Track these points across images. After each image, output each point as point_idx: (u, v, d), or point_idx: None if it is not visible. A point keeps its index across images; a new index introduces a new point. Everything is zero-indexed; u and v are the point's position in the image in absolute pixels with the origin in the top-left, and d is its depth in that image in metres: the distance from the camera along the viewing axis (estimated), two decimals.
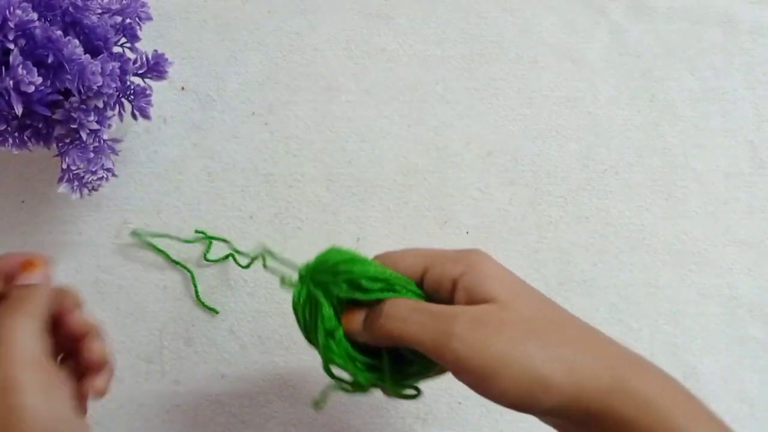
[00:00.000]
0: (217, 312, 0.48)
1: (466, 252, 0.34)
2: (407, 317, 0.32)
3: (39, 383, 0.31)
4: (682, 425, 0.30)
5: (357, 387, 0.34)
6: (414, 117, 0.53)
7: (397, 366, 0.34)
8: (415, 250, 0.36)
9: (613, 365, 0.31)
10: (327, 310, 0.34)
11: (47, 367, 0.32)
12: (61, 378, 0.33)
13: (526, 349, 0.30)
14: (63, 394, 0.32)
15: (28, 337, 0.32)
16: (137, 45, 0.43)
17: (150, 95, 0.43)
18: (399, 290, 0.33)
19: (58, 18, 0.39)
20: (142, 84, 0.43)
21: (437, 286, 0.34)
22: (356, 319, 0.34)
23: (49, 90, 0.37)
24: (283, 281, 0.36)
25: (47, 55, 0.37)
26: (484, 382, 0.30)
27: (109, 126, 0.41)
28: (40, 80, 0.36)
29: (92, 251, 0.49)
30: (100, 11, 0.40)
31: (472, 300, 0.32)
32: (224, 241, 0.49)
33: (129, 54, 0.43)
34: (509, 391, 0.30)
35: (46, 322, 0.33)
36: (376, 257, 0.36)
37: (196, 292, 0.48)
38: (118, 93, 0.42)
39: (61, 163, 0.41)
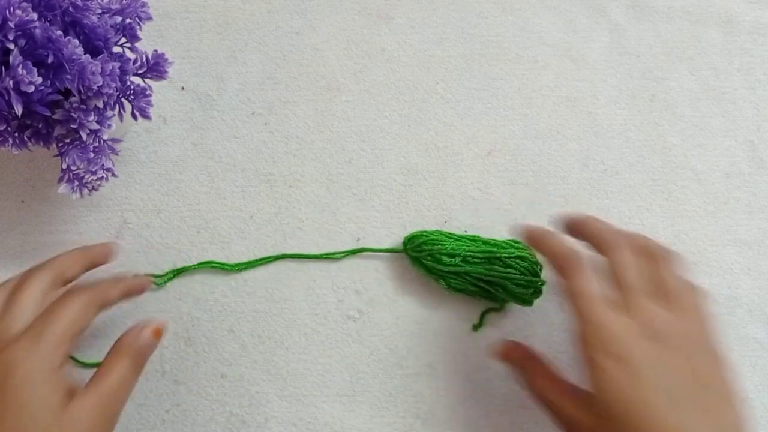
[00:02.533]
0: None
1: (616, 362, 0.36)
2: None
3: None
4: None
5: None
6: (414, 117, 0.53)
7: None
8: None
9: None
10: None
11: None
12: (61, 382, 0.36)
13: None
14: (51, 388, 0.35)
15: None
16: (137, 45, 0.43)
17: (150, 95, 0.43)
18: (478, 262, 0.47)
19: (58, 18, 0.38)
20: (142, 84, 0.43)
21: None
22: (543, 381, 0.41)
23: (49, 90, 0.37)
24: None
25: (47, 55, 0.37)
26: None
27: (109, 126, 0.41)
28: (40, 80, 0.36)
29: None
30: (100, 11, 0.40)
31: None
32: None
33: (129, 54, 0.43)
34: None
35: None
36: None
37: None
38: (118, 93, 0.42)
39: (61, 163, 0.41)
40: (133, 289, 0.43)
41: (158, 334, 0.41)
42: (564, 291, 0.39)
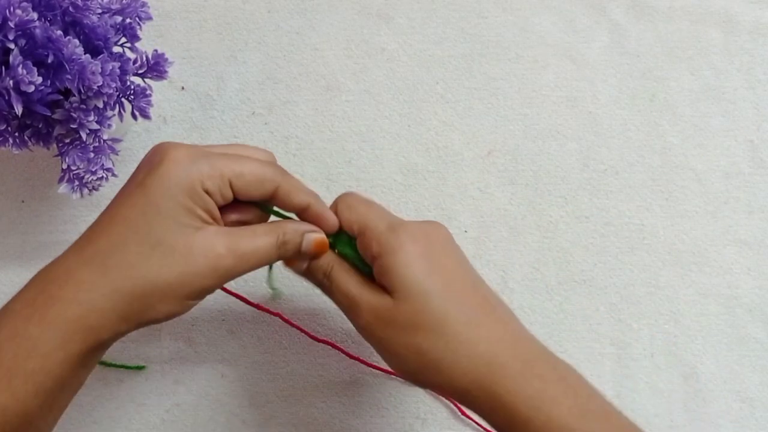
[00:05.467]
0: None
1: (392, 232, 0.36)
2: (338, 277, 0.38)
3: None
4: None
5: None
6: (414, 117, 0.53)
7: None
8: (359, 209, 0.39)
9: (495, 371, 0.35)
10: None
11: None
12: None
13: (407, 353, 0.36)
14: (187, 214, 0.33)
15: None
16: (137, 45, 0.43)
17: (150, 95, 0.43)
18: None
19: (58, 18, 0.39)
20: (142, 84, 0.43)
21: (365, 255, 0.37)
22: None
23: (49, 90, 0.37)
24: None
25: (47, 55, 0.37)
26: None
27: (109, 126, 0.41)
28: (40, 80, 0.36)
29: None
30: (100, 11, 0.40)
31: (382, 284, 0.36)
32: None
33: (129, 54, 0.43)
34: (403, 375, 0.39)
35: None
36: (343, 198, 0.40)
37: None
38: (118, 93, 0.42)
39: (61, 163, 0.41)
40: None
41: (320, 246, 0.38)
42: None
